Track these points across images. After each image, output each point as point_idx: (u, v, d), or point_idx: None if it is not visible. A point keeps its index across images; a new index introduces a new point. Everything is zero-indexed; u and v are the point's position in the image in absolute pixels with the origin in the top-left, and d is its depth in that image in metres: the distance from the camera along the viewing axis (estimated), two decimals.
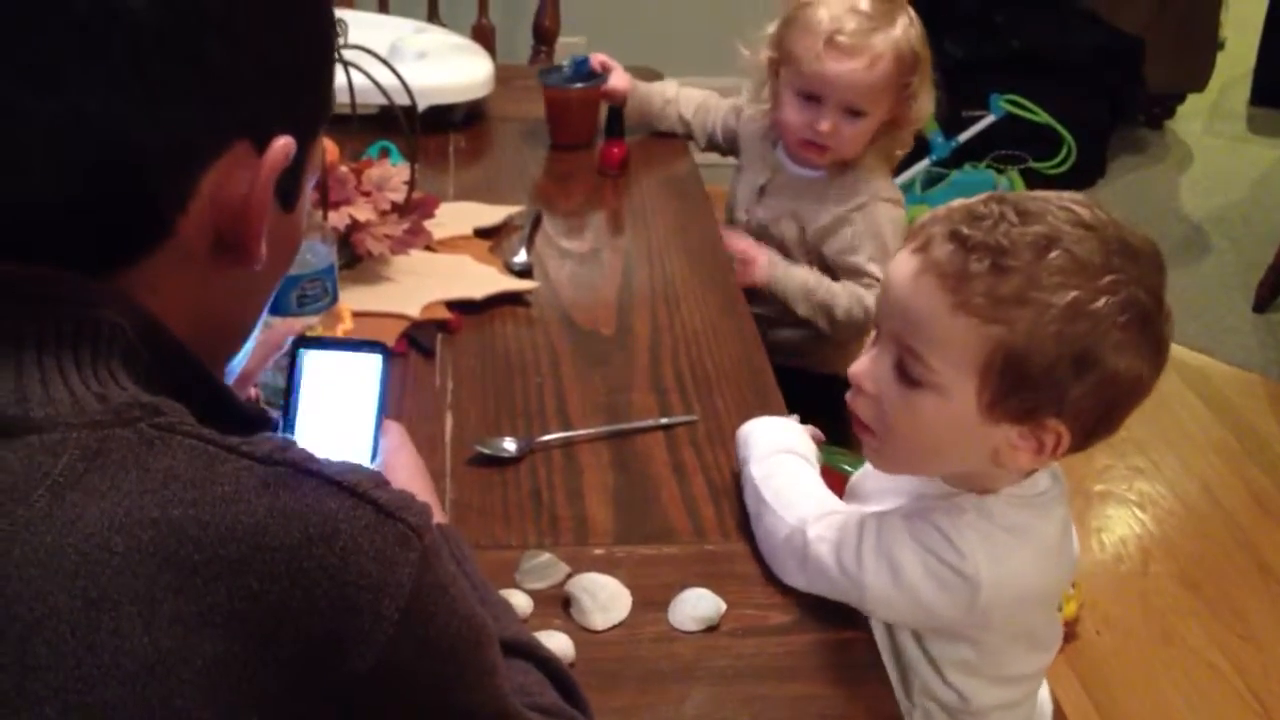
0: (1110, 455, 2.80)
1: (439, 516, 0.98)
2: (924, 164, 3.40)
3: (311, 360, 1.05)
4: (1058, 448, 0.99)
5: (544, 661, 0.88)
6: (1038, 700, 1.27)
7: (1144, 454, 2.82)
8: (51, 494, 0.56)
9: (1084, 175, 3.90)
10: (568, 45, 3.24)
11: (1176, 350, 3.22)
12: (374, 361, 1.06)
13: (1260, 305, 3.38)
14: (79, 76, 0.59)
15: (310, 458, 0.62)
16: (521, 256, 1.68)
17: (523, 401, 1.40)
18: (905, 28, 1.75)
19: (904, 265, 1.01)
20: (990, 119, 3.86)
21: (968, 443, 1.01)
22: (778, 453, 1.21)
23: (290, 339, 1.07)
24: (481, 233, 1.73)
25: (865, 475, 1.23)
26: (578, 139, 2.03)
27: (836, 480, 1.24)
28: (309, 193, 0.75)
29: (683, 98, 2.07)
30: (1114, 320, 0.94)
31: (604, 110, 2.01)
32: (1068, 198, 1.01)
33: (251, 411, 0.70)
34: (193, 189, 0.64)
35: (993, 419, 0.98)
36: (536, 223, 1.78)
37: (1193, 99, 4.46)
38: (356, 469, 0.62)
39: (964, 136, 3.45)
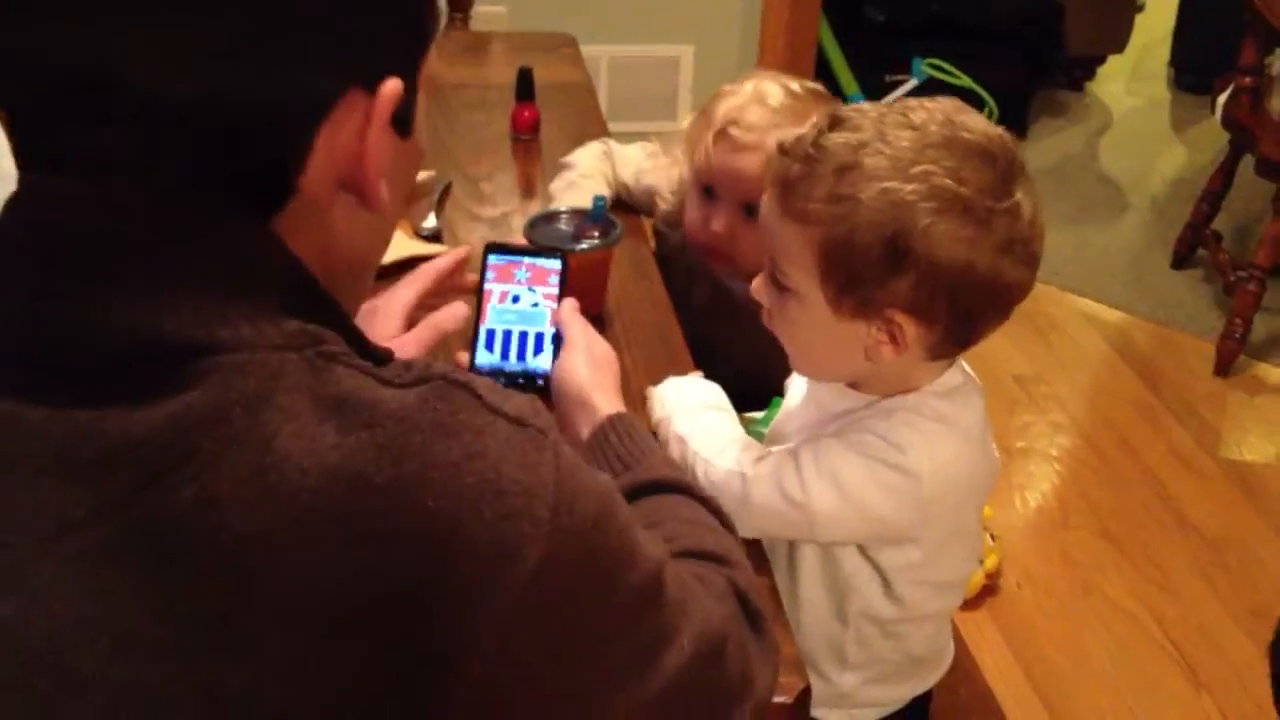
0: (1031, 412, 2.84)
1: (617, 405, 1.11)
2: None
3: (499, 262, 1.26)
4: (906, 339, 1.04)
5: (691, 491, 0.99)
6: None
7: (1064, 410, 2.86)
8: (247, 413, 0.59)
9: None
10: (486, 14, 3.22)
11: (1095, 307, 3.30)
12: (554, 265, 1.27)
13: (1178, 262, 3.43)
14: (186, 43, 0.59)
15: (450, 369, 0.66)
16: (430, 221, 1.66)
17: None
18: None
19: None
20: (912, 83, 3.89)
21: (839, 342, 1.07)
22: (702, 409, 1.22)
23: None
24: None
25: (785, 417, 1.26)
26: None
27: None
28: (425, 116, 0.75)
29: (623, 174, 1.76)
30: (921, 208, 0.98)
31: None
32: (914, 101, 1.05)
33: (381, 352, 0.70)
34: (309, 147, 0.65)
35: (842, 316, 1.04)
36: (446, 189, 1.77)
37: (1113, 60, 4.52)
38: (483, 381, 0.67)
39: (887, 101, 3.46)
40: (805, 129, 1.06)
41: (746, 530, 1.12)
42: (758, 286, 1.12)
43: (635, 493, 0.98)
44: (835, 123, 1.03)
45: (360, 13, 0.65)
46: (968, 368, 1.15)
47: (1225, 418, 2.86)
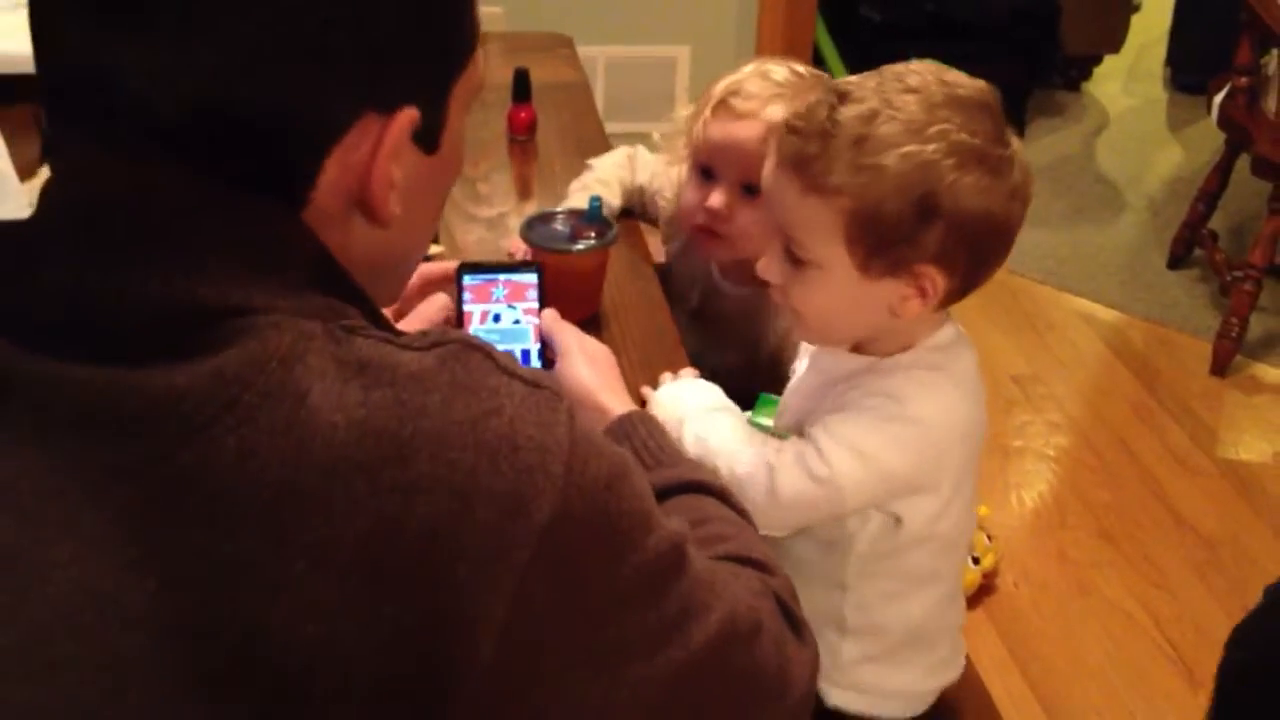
0: (1028, 411, 2.84)
1: (625, 403, 1.15)
2: None
3: (474, 282, 1.24)
4: (937, 290, 1.08)
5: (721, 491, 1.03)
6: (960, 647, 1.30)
7: (1061, 410, 2.87)
8: (282, 367, 0.62)
9: None
10: (482, 14, 3.22)
11: (1092, 307, 3.30)
12: (531, 279, 1.26)
13: (1175, 262, 3.43)
14: (200, 60, 0.63)
15: (466, 334, 0.71)
16: None
17: None
18: None
19: (767, 164, 1.11)
20: None
21: (865, 303, 1.10)
22: (714, 409, 1.23)
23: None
24: None
25: (791, 388, 1.27)
26: (581, 312, 1.44)
27: None
28: (461, 126, 0.78)
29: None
30: (944, 165, 1.02)
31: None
32: (900, 68, 1.08)
33: (404, 336, 0.73)
34: (319, 167, 0.68)
35: (871, 278, 1.07)
36: None
37: (1109, 60, 4.52)
38: (499, 350, 0.71)
39: None
40: (807, 106, 1.07)
41: (775, 525, 1.13)
42: (766, 266, 1.13)
43: (679, 489, 1.01)
44: (842, 97, 1.05)
45: (376, 43, 0.67)
46: (958, 325, 1.18)
47: (1222, 417, 2.87)
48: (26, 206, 1.22)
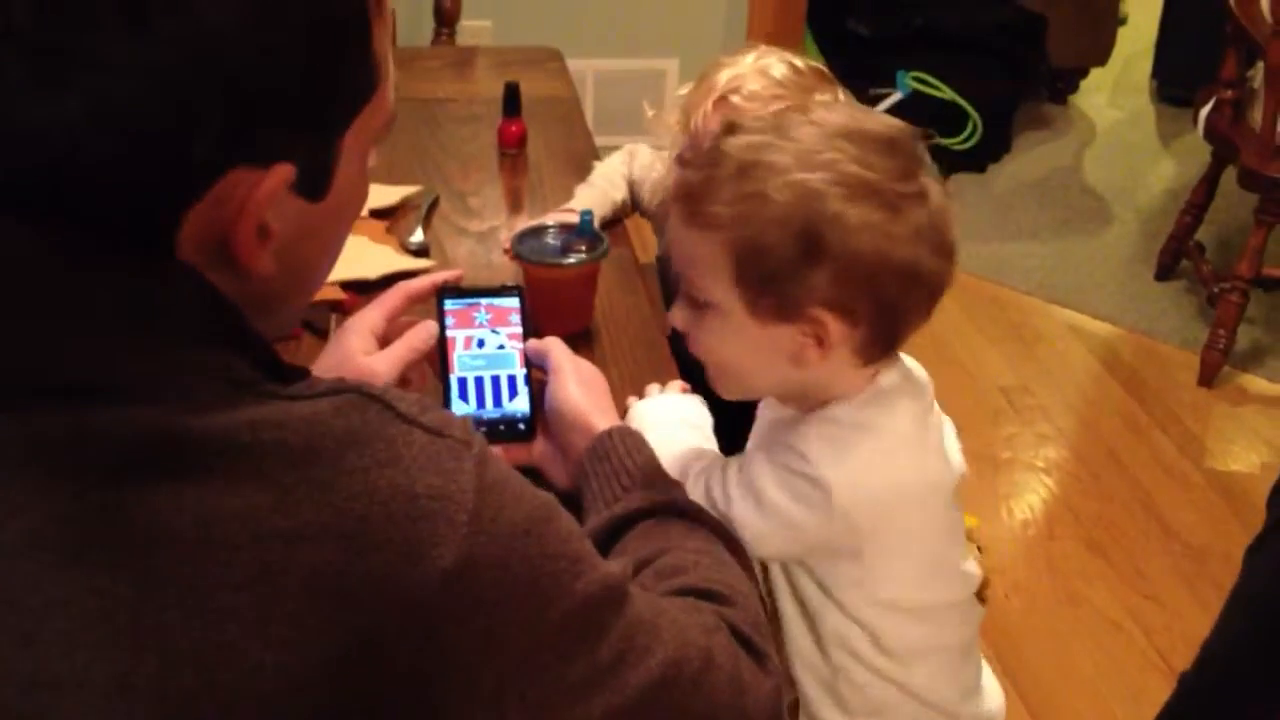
0: (1017, 423, 2.85)
1: (612, 421, 1.12)
2: None
3: (456, 307, 1.24)
4: (834, 338, 1.01)
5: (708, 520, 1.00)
6: (984, 689, 1.25)
7: (1050, 421, 2.88)
8: (158, 423, 0.61)
9: (990, 150, 3.96)
10: (471, 28, 3.23)
11: (1080, 319, 3.31)
12: (513, 303, 1.25)
13: (1162, 274, 3.44)
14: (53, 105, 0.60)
15: (365, 383, 0.69)
16: (418, 236, 1.67)
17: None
18: None
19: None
20: (897, 96, 3.88)
21: (763, 352, 1.04)
22: (676, 425, 1.21)
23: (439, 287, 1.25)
24: (378, 214, 1.72)
25: (750, 436, 1.24)
26: (572, 326, 1.45)
27: None
28: (363, 165, 0.75)
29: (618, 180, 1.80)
30: (829, 194, 0.96)
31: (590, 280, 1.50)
32: (813, 106, 1.05)
33: (296, 368, 0.72)
34: (177, 223, 0.65)
35: (762, 321, 1.02)
36: (434, 204, 1.77)
37: (1096, 73, 4.55)
38: (403, 396, 0.69)
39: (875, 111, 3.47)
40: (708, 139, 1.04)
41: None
42: (675, 313, 1.09)
43: (647, 513, 0.99)
44: (732, 128, 1.01)
45: (247, 101, 0.64)
46: (915, 369, 1.12)
47: (1209, 428, 2.88)
48: None
